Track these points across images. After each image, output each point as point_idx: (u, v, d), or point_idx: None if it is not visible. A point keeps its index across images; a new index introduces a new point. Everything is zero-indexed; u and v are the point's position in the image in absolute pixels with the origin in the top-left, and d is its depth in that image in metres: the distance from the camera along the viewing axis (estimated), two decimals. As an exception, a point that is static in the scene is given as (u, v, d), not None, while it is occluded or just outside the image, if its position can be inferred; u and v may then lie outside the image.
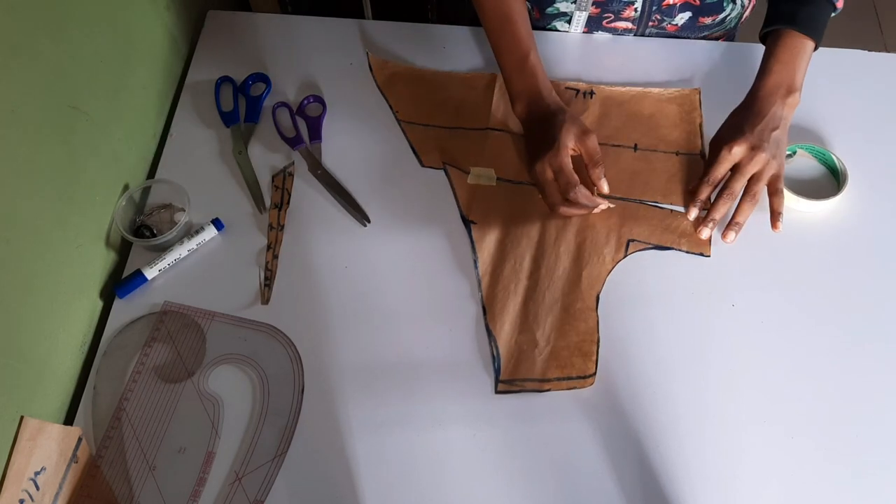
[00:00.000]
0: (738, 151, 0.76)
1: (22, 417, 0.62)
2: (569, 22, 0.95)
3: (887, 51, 1.62)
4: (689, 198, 0.81)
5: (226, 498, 0.66)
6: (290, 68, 0.93)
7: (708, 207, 0.79)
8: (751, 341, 0.74)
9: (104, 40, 0.76)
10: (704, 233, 0.78)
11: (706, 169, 0.79)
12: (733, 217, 0.78)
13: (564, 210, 0.77)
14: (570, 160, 0.76)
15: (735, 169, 0.78)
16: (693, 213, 0.79)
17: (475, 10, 0.85)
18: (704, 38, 0.97)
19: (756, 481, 0.67)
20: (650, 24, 0.93)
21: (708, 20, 0.93)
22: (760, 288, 0.77)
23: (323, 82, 0.92)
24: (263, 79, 0.91)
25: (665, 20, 0.93)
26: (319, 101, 0.90)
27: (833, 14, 0.80)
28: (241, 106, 0.90)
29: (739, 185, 0.77)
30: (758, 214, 0.81)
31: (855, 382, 0.72)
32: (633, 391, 0.71)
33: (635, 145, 0.86)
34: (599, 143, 0.84)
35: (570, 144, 0.76)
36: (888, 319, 0.75)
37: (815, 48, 0.80)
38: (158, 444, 0.69)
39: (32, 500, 0.61)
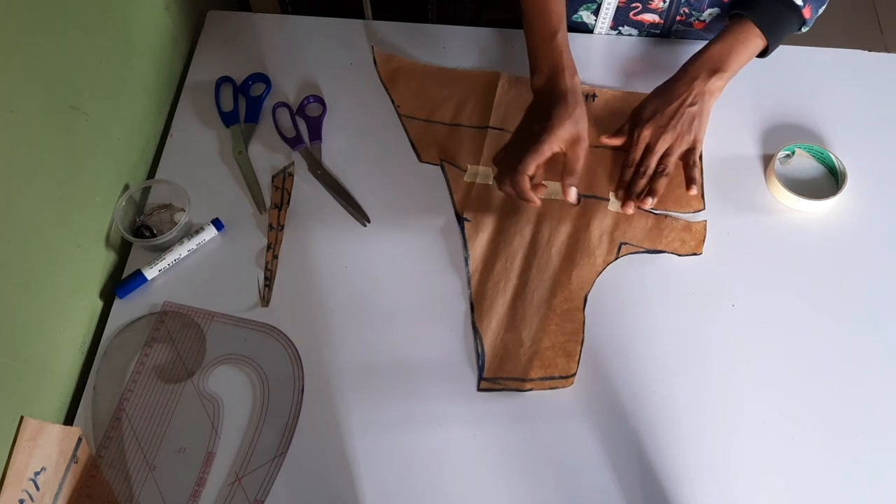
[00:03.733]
0: (646, 135, 0.80)
1: (22, 417, 0.62)
2: (595, 12, 0.93)
3: (887, 51, 1.62)
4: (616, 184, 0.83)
5: (226, 498, 0.66)
6: (290, 68, 0.93)
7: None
8: (751, 341, 0.74)
9: (104, 40, 0.76)
10: (629, 209, 0.79)
11: (616, 134, 0.83)
12: (649, 187, 0.79)
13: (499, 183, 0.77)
14: (540, 163, 0.75)
15: (647, 148, 0.81)
16: (618, 198, 0.81)
17: (475, 11, 0.85)
18: None
19: (756, 481, 0.67)
20: (678, 18, 0.93)
21: None
22: (760, 288, 0.77)
23: (323, 82, 0.92)
24: (263, 79, 0.91)
25: (693, 15, 0.92)
26: (319, 101, 0.90)
27: (798, 31, 0.82)
28: (241, 106, 0.90)
29: (652, 162, 0.80)
30: (757, 215, 0.81)
31: (855, 382, 0.72)
32: (634, 391, 0.71)
33: (634, 147, 0.86)
34: (598, 147, 0.85)
35: (556, 148, 0.75)
36: (887, 319, 0.75)
37: (765, 53, 0.81)
38: (158, 444, 0.69)
39: (32, 500, 0.61)
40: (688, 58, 0.83)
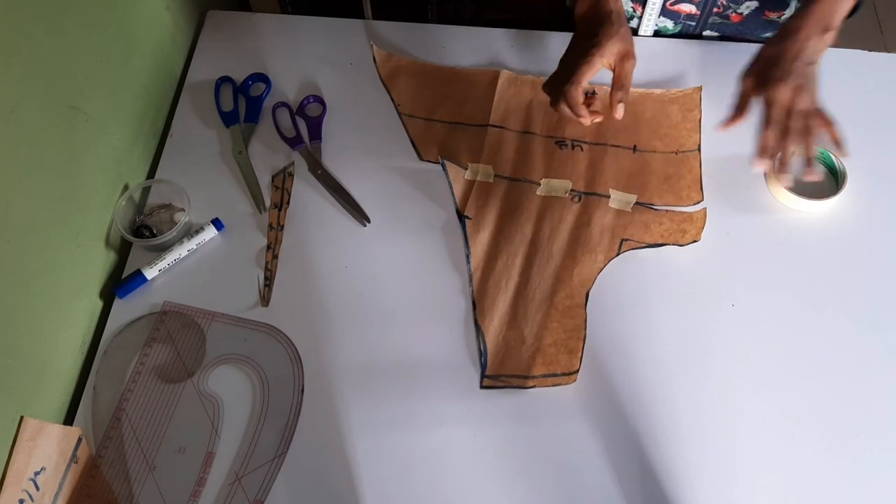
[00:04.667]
0: (782, 97, 0.74)
1: (22, 417, 0.62)
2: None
3: (887, 51, 1.62)
4: (761, 150, 0.74)
5: (226, 498, 0.66)
6: (290, 68, 0.93)
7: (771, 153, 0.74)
8: (751, 341, 0.74)
9: (104, 40, 0.76)
10: (785, 179, 0.74)
11: (735, 111, 0.76)
12: (806, 155, 0.73)
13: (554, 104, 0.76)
14: (591, 76, 0.74)
15: (784, 110, 0.74)
16: (764, 165, 0.74)
17: (475, 11, 0.85)
18: (762, 40, 0.92)
19: (756, 481, 0.67)
20: (715, 10, 0.91)
21: (773, 16, 0.91)
22: (760, 287, 0.77)
23: (323, 82, 0.92)
24: (263, 79, 0.91)
25: (731, 7, 0.91)
26: (319, 101, 0.90)
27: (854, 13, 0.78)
28: (241, 106, 0.90)
29: (797, 124, 0.73)
30: (757, 215, 0.81)
31: (855, 382, 0.72)
32: (634, 391, 0.71)
33: (634, 146, 0.86)
34: (599, 143, 0.85)
35: (606, 62, 0.75)
36: (888, 319, 0.75)
37: (853, 12, 0.77)
38: (158, 444, 0.69)
39: (32, 500, 0.61)
40: (706, 58, 0.80)
